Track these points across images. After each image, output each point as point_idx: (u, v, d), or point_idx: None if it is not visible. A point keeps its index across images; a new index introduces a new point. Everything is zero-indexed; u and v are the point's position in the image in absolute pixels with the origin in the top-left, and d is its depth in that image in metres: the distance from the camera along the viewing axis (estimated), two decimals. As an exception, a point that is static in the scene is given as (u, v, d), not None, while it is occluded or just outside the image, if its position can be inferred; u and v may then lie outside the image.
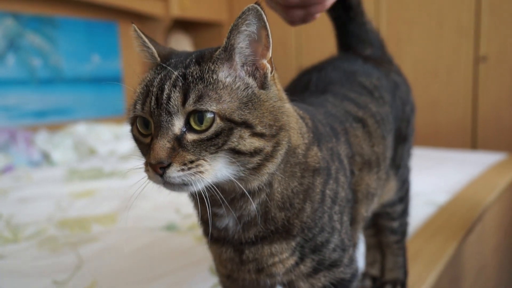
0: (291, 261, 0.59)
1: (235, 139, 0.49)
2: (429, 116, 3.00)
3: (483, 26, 2.81)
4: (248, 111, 0.50)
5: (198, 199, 0.53)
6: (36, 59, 3.12)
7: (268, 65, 0.54)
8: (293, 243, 0.59)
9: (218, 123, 0.49)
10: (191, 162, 0.48)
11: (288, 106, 0.58)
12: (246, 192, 0.54)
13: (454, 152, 2.51)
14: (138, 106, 0.53)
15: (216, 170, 0.50)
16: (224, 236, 0.60)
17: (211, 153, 0.49)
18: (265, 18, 0.51)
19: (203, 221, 0.63)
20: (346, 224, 0.65)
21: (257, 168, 0.52)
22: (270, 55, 0.54)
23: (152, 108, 0.51)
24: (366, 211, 0.75)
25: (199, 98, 0.49)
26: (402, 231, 0.96)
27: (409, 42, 3.10)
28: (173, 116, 0.50)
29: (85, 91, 3.43)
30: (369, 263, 1.03)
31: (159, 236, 1.25)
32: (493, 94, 2.83)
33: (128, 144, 2.79)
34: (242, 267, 0.61)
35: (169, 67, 0.53)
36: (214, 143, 0.49)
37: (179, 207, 1.51)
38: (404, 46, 3.10)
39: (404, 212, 0.96)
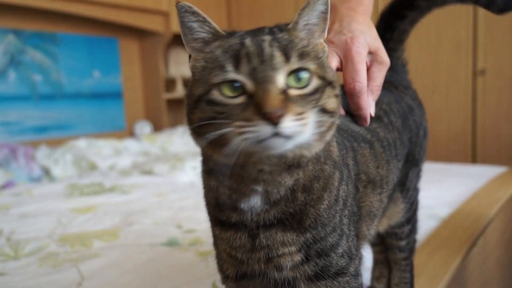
0: (298, 257, 0.59)
1: (326, 97, 0.53)
2: (428, 130, 3.01)
3: (480, 40, 2.84)
4: (330, 73, 0.55)
5: (233, 175, 0.53)
6: (37, 75, 3.14)
7: (325, 44, 0.60)
8: (302, 238, 0.58)
9: (316, 81, 0.53)
10: (300, 114, 0.49)
11: None
12: (299, 162, 0.55)
13: (455, 166, 2.51)
14: (230, 68, 0.52)
15: (312, 126, 0.51)
16: (242, 220, 0.58)
17: (310, 108, 0.51)
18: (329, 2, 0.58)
19: (225, 205, 0.59)
20: (353, 233, 0.65)
21: (324, 133, 0.53)
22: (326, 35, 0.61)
23: (251, 68, 0.51)
24: (368, 229, 0.74)
25: (301, 57, 0.53)
26: (410, 248, 0.96)
27: (408, 57, 3.12)
28: (278, 72, 0.51)
29: (85, 107, 3.44)
30: (375, 277, 1.03)
31: (161, 252, 1.24)
32: (492, 107, 2.85)
33: (128, 158, 2.79)
34: (253, 255, 0.59)
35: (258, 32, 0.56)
36: (313, 98, 0.52)
37: (181, 222, 1.50)
38: (402, 60, 3.13)
39: (412, 232, 0.96)
